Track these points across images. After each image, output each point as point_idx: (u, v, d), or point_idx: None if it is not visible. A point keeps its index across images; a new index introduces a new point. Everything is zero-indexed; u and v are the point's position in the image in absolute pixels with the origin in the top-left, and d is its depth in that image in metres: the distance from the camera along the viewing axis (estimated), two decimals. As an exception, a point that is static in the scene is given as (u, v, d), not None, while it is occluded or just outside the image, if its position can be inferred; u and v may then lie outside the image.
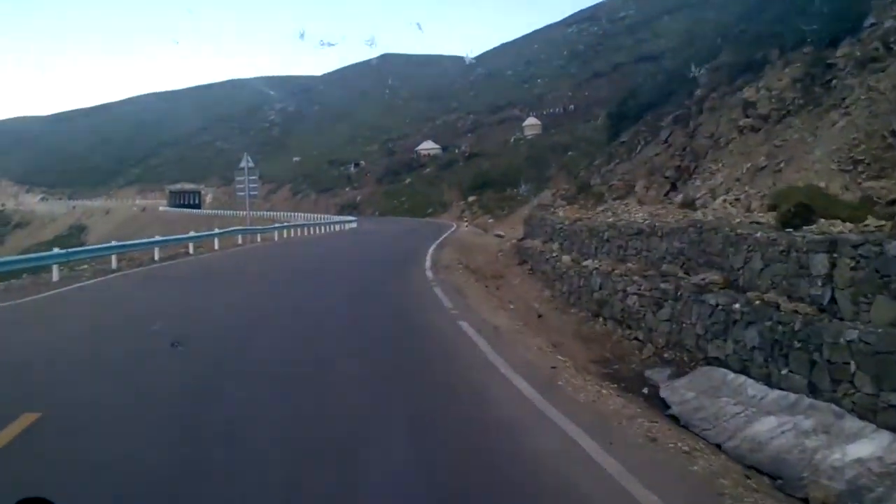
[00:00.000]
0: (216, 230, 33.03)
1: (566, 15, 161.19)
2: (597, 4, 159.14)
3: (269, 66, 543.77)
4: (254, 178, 45.39)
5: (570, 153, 74.92)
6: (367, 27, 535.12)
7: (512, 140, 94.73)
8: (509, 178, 77.07)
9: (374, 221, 71.95)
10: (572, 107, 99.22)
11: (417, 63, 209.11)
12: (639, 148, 25.88)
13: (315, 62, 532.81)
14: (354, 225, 59.65)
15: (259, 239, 38.75)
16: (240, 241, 36.95)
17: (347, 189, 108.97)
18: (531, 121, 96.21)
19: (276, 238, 40.55)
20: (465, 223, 59.15)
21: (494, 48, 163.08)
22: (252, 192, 45.07)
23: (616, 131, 31.11)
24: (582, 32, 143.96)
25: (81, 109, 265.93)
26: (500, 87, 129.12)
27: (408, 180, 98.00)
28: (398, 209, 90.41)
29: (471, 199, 78.43)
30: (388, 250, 30.50)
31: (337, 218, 70.49)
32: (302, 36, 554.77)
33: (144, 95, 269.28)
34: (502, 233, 49.51)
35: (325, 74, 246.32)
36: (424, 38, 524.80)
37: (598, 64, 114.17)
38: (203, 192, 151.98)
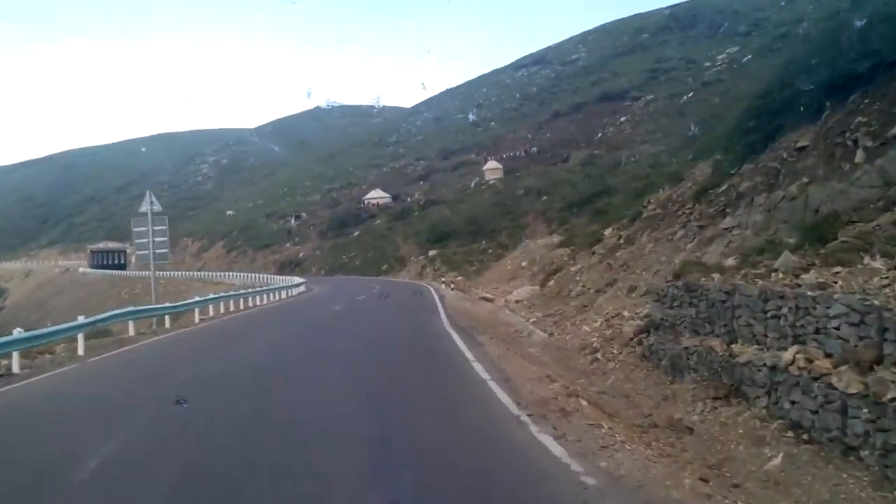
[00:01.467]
0: (81, 320, 18.13)
1: (513, 59, 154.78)
2: (545, 49, 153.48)
3: (200, 119, 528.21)
4: (161, 227, 29.58)
5: (544, 197, 66.03)
6: (303, 79, 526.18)
7: (472, 185, 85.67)
8: (476, 228, 67.72)
9: (326, 283, 61.49)
10: (535, 149, 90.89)
11: (356, 113, 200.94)
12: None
13: (248, 115, 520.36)
14: (303, 288, 49.10)
15: (168, 323, 24.10)
16: (131, 332, 21.90)
17: (288, 244, 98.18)
18: (492, 164, 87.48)
19: (196, 319, 26.06)
20: (450, 286, 49.27)
21: (440, 94, 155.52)
22: (159, 250, 29.94)
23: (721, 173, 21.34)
24: (533, 75, 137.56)
25: (1, 167, 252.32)
26: (449, 131, 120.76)
27: (356, 233, 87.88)
28: (347, 266, 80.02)
29: (432, 253, 68.70)
30: (387, 352, 16.35)
31: (281, 279, 59.81)
32: (234, 89, 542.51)
33: (69, 151, 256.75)
34: (489, 295, 39.86)
35: (258, 126, 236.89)
36: (363, 90, 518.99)
37: (556, 104, 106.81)
38: (129, 250, 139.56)
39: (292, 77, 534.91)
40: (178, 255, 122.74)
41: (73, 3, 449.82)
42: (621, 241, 23.39)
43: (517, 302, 31.59)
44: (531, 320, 22.82)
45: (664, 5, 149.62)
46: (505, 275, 48.01)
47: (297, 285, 47.27)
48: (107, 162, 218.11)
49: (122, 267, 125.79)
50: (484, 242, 64.82)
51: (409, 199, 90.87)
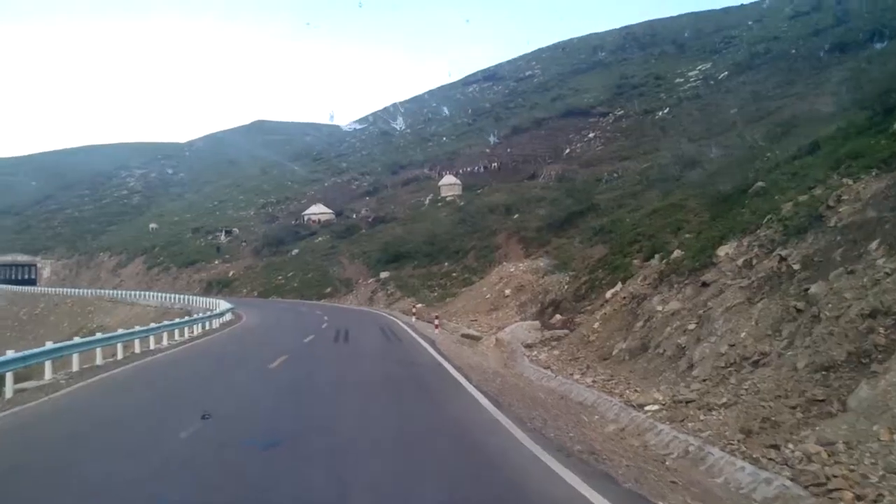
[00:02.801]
0: None
1: (465, 75, 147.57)
2: (497, 65, 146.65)
3: (127, 132, 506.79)
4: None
5: (516, 215, 57.69)
6: (239, 95, 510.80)
7: (427, 202, 76.94)
8: (435, 249, 58.89)
9: (259, 309, 51.63)
10: (495, 164, 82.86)
11: (295, 130, 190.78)
12: None
13: (179, 129, 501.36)
14: (229, 317, 39.28)
15: (9, 389, 13.91)
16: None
17: (217, 262, 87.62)
18: (449, 179, 79.00)
19: (74, 366, 17.51)
20: (412, 314, 39.84)
21: (385, 108, 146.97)
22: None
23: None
24: (485, 91, 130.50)
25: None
26: (398, 146, 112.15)
27: (294, 251, 78.06)
28: (283, 287, 70.17)
29: (384, 275, 59.58)
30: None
31: (204, 302, 50.17)
32: (168, 102, 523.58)
33: None
34: (472, 331, 31.04)
35: (190, 141, 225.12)
36: (302, 106, 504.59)
37: (514, 120, 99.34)
38: (39, 265, 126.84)
39: (227, 93, 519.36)
40: (94, 271, 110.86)
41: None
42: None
43: (528, 347, 22.90)
44: (584, 381, 14.18)
45: (618, 26, 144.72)
46: (483, 304, 39.21)
47: (221, 313, 37.47)
48: (24, 174, 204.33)
49: (32, 282, 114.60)
50: (447, 265, 56.00)
51: (355, 216, 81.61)
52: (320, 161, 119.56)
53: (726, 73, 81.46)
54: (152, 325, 25.15)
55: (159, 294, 67.22)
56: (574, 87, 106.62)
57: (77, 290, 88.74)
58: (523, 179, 73.30)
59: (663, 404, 10.94)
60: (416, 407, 11.67)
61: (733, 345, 11.49)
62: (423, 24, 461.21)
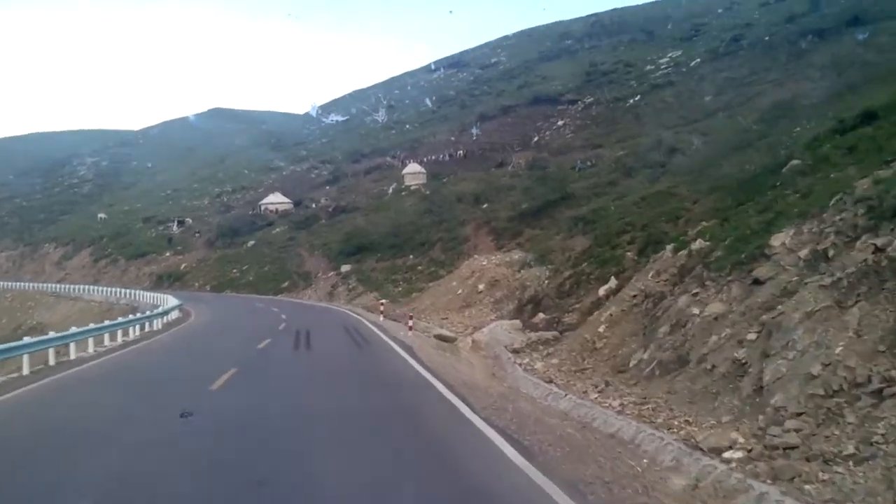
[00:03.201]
0: None
1: (428, 62, 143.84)
2: (461, 52, 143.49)
3: (79, 119, 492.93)
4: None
5: (485, 205, 54.58)
6: (196, 81, 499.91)
7: (390, 191, 73.46)
8: (399, 240, 55.59)
9: (211, 304, 47.91)
10: (461, 152, 79.67)
11: (253, 118, 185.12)
12: None
13: (133, 117, 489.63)
14: (175, 315, 35.50)
15: None
16: None
17: (168, 254, 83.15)
18: (413, 168, 75.63)
19: None
20: (379, 312, 36.11)
21: (345, 96, 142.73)
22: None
23: None
24: (450, 78, 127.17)
25: None
26: (358, 134, 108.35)
27: (250, 243, 74.08)
28: (239, 281, 66.28)
29: (345, 268, 56.15)
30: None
31: (150, 300, 46.59)
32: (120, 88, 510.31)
33: None
34: (447, 332, 27.88)
35: (144, 129, 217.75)
36: (261, 94, 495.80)
37: (480, 107, 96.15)
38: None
39: (185, 79, 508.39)
40: (38, 263, 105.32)
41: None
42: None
43: (516, 352, 19.75)
44: (608, 402, 11.09)
45: (585, 14, 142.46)
46: (454, 301, 36.05)
47: (165, 312, 33.67)
48: None
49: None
50: (412, 257, 52.74)
51: (314, 206, 77.83)
52: (279, 149, 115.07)
53: (699, 60, 79.21)
54: (73, 329, 21.24)
55: (105, 289, 63.00)
56: (541, 74, 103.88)
57: (18, 284, 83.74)
58: (492, 168, 70.23)
59: (748, 450, 7.82)
60: (419, 469, 7.74)
61: (828, 364, 8.40)
62: (389, 11, 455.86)
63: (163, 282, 76.37)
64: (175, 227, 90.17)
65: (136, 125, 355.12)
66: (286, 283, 60.28)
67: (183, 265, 77.75)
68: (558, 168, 56.56)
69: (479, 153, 78.54)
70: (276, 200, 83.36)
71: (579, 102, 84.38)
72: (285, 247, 68.27)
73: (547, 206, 47.90)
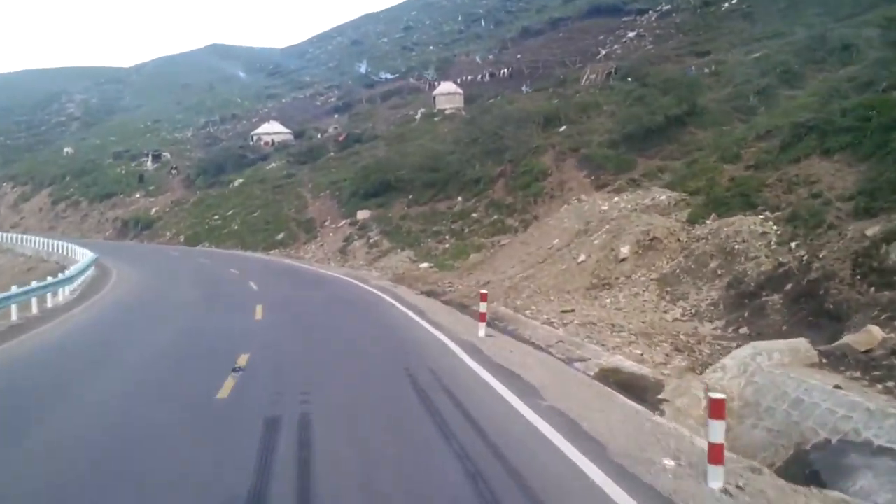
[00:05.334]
0: None
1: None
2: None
3: (72, 56, 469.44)
4: None
5: (562, 128, 38.24)
6: (194, 16, 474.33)
7: (418, 116, 56.97)
8: (441, 176, 39.52)
9: (168, 269, 32.32)
10: (505, 71, 63.05)
11: (254, 54, 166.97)
12: None
13: (126, 54, 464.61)
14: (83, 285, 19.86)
15: None
16: None
17: (138, 195, 67.16)
18: (447, 87, 59.21)
19: None
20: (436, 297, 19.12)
21: (356, 19, 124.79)
22: None
23: None
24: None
25: None
26: (373, 56, 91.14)
27: (237, 182, 57.89)
28: (220, 231, 50.42)
29: (363, 214, 40.30)
30: None
31: (81, 255, 31.36)
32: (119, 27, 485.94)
33: None
34: (625, 361, 11.91)
35: (138, 65, 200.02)
36: (262, 29, 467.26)
37: (522, 23, 79.12)
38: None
39: (178, 16, 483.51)
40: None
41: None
42: None
43: None
44: None
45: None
46: (572, 275, 20.08)
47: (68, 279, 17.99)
48: None
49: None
50: (461, 200, 36.73)
51: (320, 136, 61.45)
52: (277, 76, 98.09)
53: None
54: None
55: (42, 240, 47.44)
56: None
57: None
58: (550, 87, 53.55)
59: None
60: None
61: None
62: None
63: (128, 230, 60.75)
64: (149, 163, 73.94)
65: (129, 62, 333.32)
66: (281, 235, 44.37)
67: (154, 210, 61.74)
68: (661, 78, 39.90)
69: (528, 71, 61.87)
70: (271, 130, 67.01)
71: (649, 12, 67.47)
72: (282, 186, 52.14)
73: (668, 125, 31.77)
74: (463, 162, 39.46)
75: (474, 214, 34.87)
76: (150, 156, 74.80)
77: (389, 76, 73.16)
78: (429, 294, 21.69)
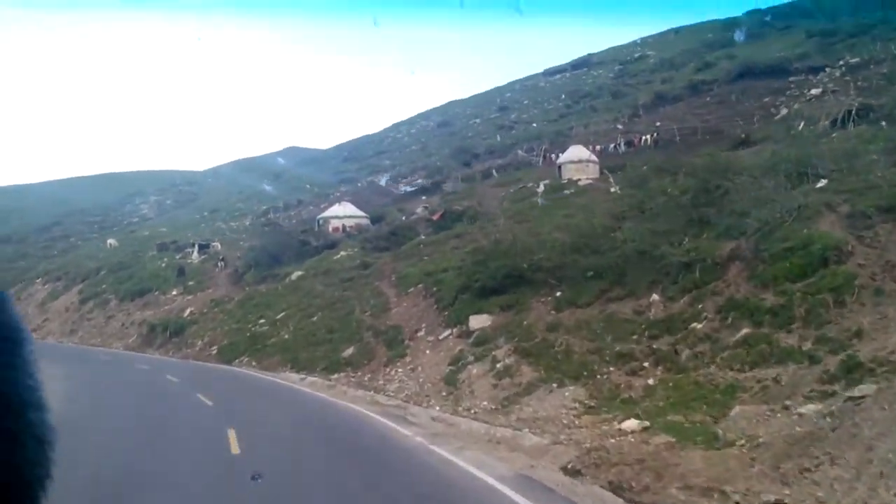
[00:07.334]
0: None
1: (544, 69, 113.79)
2: (587, 54, 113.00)
3: (146, 160, 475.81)
4: None
5: (820, 183, 22.58)
6: (270, 121, 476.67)
7: (540, 190, 41.98)
8: (606, 261, 24.01)
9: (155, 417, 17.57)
10: (648, 137, 48.38)
11: (328, 153, 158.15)
12: None
13: (202, 158, 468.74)
14: None
15: None
16: None
17: (175, 293, 53.57)
18: (577, 153, 44.52)
19: None
20: None
21: (442, 105, 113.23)
22: None
23: None
24: (578, 78, 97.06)
25: None
26: (464, 136, 78.06)
27: (295, 275, 43.41)
28: (264, 342, 35.60)
29: (478, 322, 24.99)
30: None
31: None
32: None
33: (3, 187, 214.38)
34: None
35: (214, 167, 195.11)
36: (338, 127, 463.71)
37: (648, 93, 65.24)
38: None
39: (258, 119, 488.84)
40: (24, 303, 77.19)
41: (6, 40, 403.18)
42: None
43: None
44: None
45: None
46: None
47: None
48: (35, 200, 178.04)
49: None
50: (659, 299, 21.13)
51: (404, 218, 47.03)
52: (352, 160, 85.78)
53: None
54: None
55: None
56: (727, 55, 72.10)
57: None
58: (723, 149, 38.39)
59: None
60: None
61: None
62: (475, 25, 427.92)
63: (155, 336, 46.67)
64: (195, 255, 60.66)
65: (204, 165, 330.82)
66: (350, 350, 29.13)
67: (188, 310, 47.69)
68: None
69: (678, 140, 47.11)
70: (342, 213, 53.13)
71: (826, 69, 52.66)
72: (353, 279, 37.32)
73: None
74: (646, 238, 23.97)
75: (696, 324, 19.12)
76: (196, 246, 61.63)
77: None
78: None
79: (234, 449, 14.15)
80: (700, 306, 19.85)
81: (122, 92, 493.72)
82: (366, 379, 26.35)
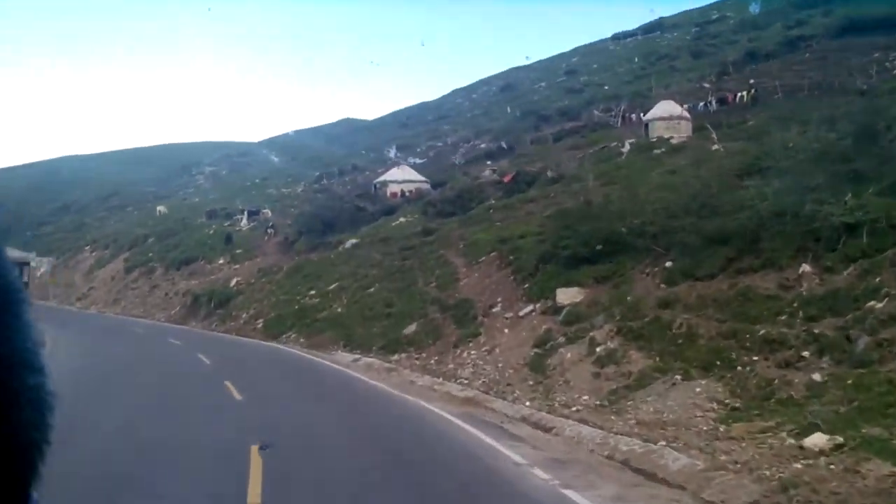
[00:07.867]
0: None
1: (612, 33, 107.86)
2: (654, 21, 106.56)
3: (203, 132, 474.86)
4: None
5: None
6: (327, 93, 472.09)
7: (625, 149, 37.14)
8: (732, 225, 19.21)
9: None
10: (743, 94, 43.16)
11: (385, 122, 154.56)
12: None
13: (258, 129, 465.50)
14: None
15: None
16: None
17: (222, 261, 50.24)
18: (667, 109, 39.54)
19: None
20: None
21: (505, 71, 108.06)
22: None
23: None
24: (651, 41, 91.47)
25: None
26: (530, 101, 73.27)
27: (349, 242, 39.41)
28: (314, 316, 31.70)
29: (567, 295, 20.51)
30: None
31: None
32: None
33: (56, 158, 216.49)
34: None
35: (268, 139, 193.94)
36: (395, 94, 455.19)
37: (738, 51, 59.70)
38: (34, 263, 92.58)
39: (315, 91, 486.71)
40: (71, 272, 75.11)
41: (77, 16, 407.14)
42: None
43: None
44: None
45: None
46: None
47: None
48: (96, 170, 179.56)
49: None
50: (810, 269, 16.39)
51: (470, 182, 42.60)
52: (410, 126, 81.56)
53: None
54: None
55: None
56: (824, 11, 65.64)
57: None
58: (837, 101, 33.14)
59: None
60: None
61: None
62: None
63: (199, 306, 43.31)
64: (244, 221, 57.31)
65: (259, 136, 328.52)
66: (412, 327, 24.95)
67: (235, 280, 44.18)
68: None
69: (779, 96, 41.77)
70: (401, 177, 48.94)
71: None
72: (414, 248, 33.08)
73: None
74: (783, 197, 19.17)
75: (875, 303, 14.40)
76: (245, 213, 58.23)
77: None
78: None
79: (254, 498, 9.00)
80: (878, 279, 15.10)
81: (180, 64, 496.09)
82: (432, 362, 22.19)
